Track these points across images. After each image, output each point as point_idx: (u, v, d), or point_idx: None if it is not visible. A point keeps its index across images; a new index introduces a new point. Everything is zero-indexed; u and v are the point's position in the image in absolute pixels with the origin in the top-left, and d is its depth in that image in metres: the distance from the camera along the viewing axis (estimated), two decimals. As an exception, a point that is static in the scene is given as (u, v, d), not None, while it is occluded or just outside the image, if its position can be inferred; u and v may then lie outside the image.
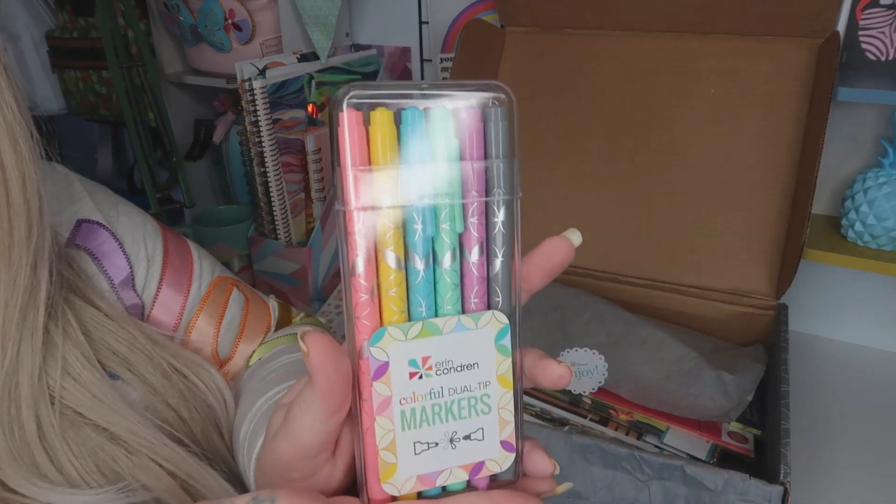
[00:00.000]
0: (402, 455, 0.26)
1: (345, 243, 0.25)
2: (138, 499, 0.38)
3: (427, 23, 1.10)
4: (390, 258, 0.25)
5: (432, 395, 0.26)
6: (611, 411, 0.69)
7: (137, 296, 0.47)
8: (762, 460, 0.64)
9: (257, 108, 0.96)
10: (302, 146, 1.03)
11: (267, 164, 0.99)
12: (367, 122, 0.25)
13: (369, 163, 0.25)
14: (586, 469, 0.57)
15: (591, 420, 0.68)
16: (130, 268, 0.47)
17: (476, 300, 0.27)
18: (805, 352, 0.92)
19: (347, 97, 0.24)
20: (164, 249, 0.50)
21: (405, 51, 1.14)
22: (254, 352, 0.53)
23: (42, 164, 0.38)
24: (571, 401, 0.70)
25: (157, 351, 0.44)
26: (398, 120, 0.25)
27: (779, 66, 0.81)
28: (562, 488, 0.30)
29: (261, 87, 0.95)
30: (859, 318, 0.93)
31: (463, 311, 0.27)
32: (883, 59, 0.81)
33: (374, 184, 0.25)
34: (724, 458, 0.65)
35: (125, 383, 0.42)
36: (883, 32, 0.80)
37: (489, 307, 0.27)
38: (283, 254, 1.05)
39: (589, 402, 0.70)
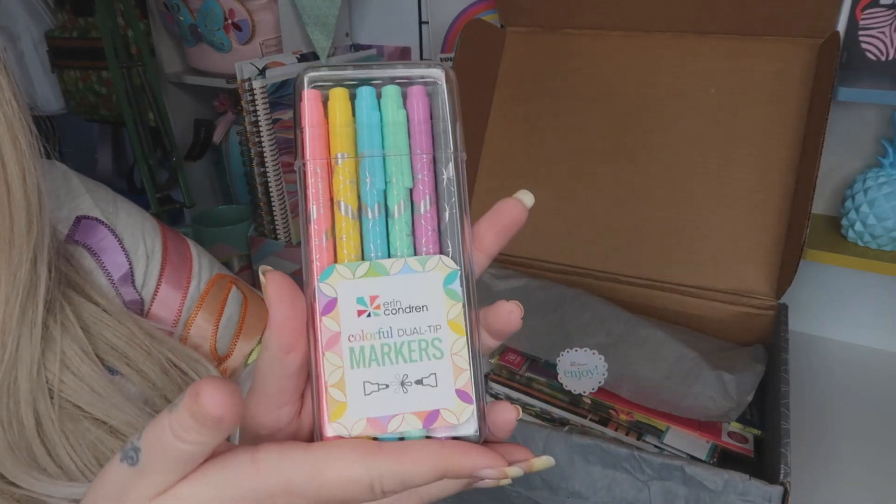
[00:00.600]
0: (351, 394, 0.26)
1: (303, 196, 0.28)
2: None
3: (427, 23, 1.10)
4: (343, 207, 0.28)
5: (381, 334, 0.27)
6: (611, 411, 0.69)
7: (137, 292, 0.47)
8: (762, 460, 0.64)
9: (257, 108, 0.95)
10: (302, 146, 1.03)
11: (267, 164, 0.99)
12: (325, 99, 0.28)
13: (326, 125, 0.28)
14: (586, 469, 0.57)
15: (591, 420, 0.68)
16: (130, 264, 0.47)
17: (427, 248, 0.28)
18: (805, 352, 0.92)
19: (308, 76, 0.28)
20: (164, 246, 0.50)
21: (405, 51, 1.14)
22: (252, 350, 0.53)
23: (41, 161, 0.38)
24: (571, 401, 0.70)
25: (156, 346, 0.45)
26: (353, 97, 0.28)
27: (779, 65, 0.81)
28: (540, 462, 0.29)
29: (261, 87, 0.95)
30: (859, 318, 0.93)
31: None
32: (883, 58, 0.81)
33: (329, 140, 0.28)
34: (724, 459, 0.65)
35: (124, 378, 0.42)
36: (883, 32, 0.80)
37: None
38: (283, 254, 1.05)
39: (589, 402, 0.70)
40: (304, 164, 0.28)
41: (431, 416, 0.27)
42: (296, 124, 0.28)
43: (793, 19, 0.79)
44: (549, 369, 0.71)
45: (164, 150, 1.20)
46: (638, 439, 0.66)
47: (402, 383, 0.27)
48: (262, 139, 0.97)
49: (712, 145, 0.83)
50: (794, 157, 0.80)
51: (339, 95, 0.28)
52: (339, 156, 0.28)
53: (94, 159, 1.57)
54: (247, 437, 0.27)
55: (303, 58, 1.03)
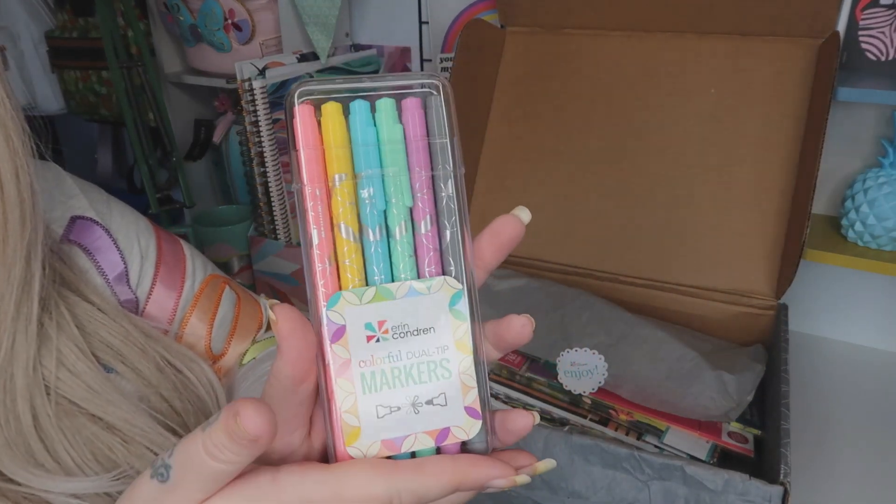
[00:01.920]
0: (364, 418, 0.27)
1: (303, 220, 0.27)
2: None
3: (427, 23, 1.10)
4: (344, 230, 0.27)
5: (391, 358, 0.27)
6: (611, 411, 0.69)
7: (132, 291, 0.48)
8: (762, 460, 0.64)
9: (257, 108, 0.95)
10: (302, 146, 1.03)
11: (267, 164, 0.99)
12: (318, 115, 0.27)
13: (322, 146, 0.27)
14: (586, 469, 0.57)
15: (591, 420, 0.68)
16: (125, 263, 0.48)
17: (430, 269, 0.28)
18: (805, 352, 0.92)
19: (299, 91, 0.27)
20: (158, 247, 0.51)
21: (405, 51, 1.14)
22: (247, 350, 0.54)
23: (34, 160, 0.38)
24: (571, 401, 0.70)
25: (151, 344, 0.45)
26: (347, 112, 0.27)
27: (779, 66, 0.81)
28: (543, 465, 0.30)
29: (261, 87, 0.95)
30: (859, 318, 0.93)
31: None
32: (883, 59, 0.81)
33: (326, 162, 0.27)
34: (725, 459, 0.65)
35: (119, 376, 0.43)
36: (883, 32, 0.80)
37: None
38: (283, 254, 1.05)
39: (589, 402, 0.70)
40: (301, 188, 0.27)
41: (442, 434, 0.28)
42: (290, 144, 0.27)
43: (793, 19, 0.79)
44: (549, 369, 0.71)
45: (164, 150, 1.20)
46: (638, 439, 0.66)
47: (413, 404, 0.28)
48: (262, 139, 0.97)
49: (712, 145, 0.83)
50: (794, 157, 0.80)
51: (332, 112, 0.27)
52: (336, 177, 0.27)
53: (94, 159, 1.56)
54: (259, 462, 0.28)
55: (303, 58, 1.03)
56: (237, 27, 1.07)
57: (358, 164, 0.27)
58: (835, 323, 0.95)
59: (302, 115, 0.27)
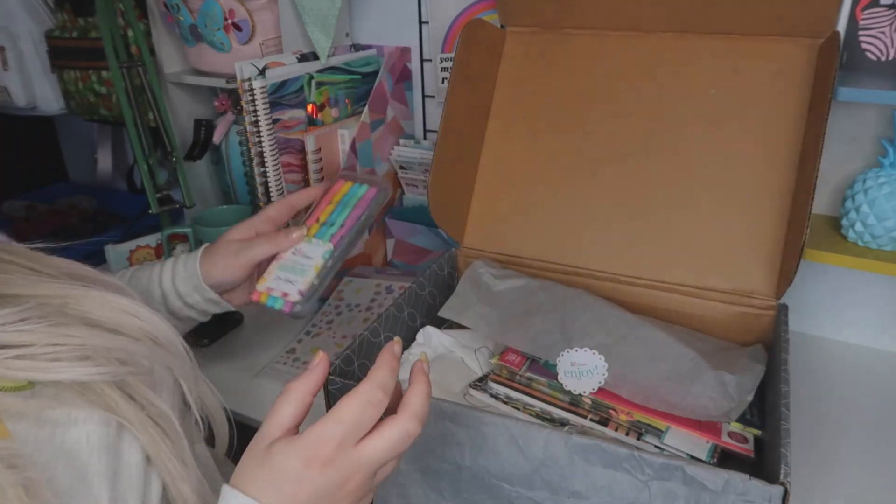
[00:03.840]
0: (269, 277, 0.73)
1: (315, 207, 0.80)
2: None
3: (427, 23, 1.10)
4: (324, 216, 0.79)
5: (293, 256, 0.74)
6: (611, 411, 0.69)
7: None
8: (762, 460, 0.64)
9: (257, 108, 0.95)
10: (302, 146, 1.03)
11: (267, 164, 0.99)
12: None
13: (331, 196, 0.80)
14: (586, 469, 0.57)
15: (591, 420, 0.68)
16: None
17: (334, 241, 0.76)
18: (805, 352, 0.92)
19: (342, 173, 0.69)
20: None
21: (405, 51, 1.14)
22: None
23: None
24: (571, 401, 0.70)
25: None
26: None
27: (779, 66, 0.81)
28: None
29: (261, 87, 0.95)
30: (860, 318, 0.93)
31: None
32: (883, 58, 0.81)
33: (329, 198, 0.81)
34: (725, 459, 0.65)
35: None
36: (883, 32, 0.80)
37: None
38: (282, 254, 1.05)
39: (589, 402, 0.70)
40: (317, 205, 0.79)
41: (286, 295, 0.71)
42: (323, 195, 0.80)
43: (793, 19, 0.79)
44: (550, 369, 0.71)
45: (164, 150, 1.20)
46: (638, 439, 0.66)
47: (286, 280, 0.72)
48: (262, 139, 0.97)
49: (712, 145, 0.83)
50: (794, 157, 0.80)
51: (343, 187, 0.81)
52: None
53: (93, 159, 1.56)
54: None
55: (303, 58, 1.03)
56: (237, 27, 1.07)
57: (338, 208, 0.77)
58: (835, 323, 0.95)
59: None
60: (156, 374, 0.47)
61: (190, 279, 0.73)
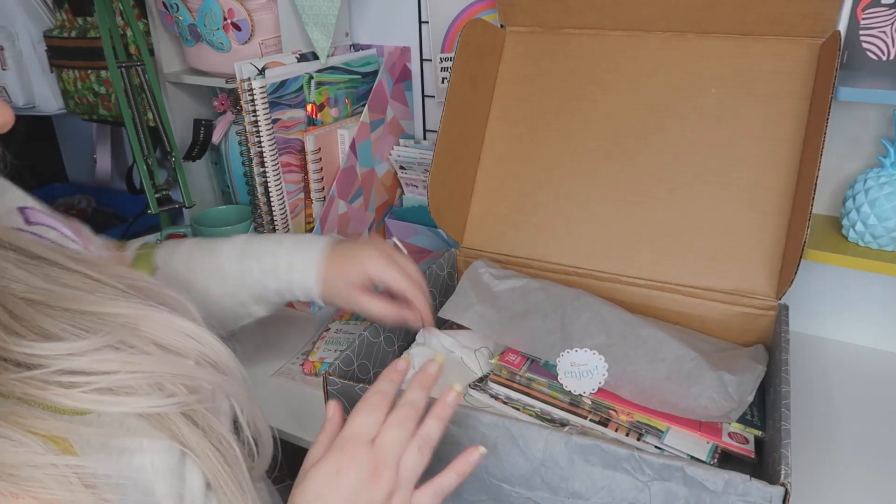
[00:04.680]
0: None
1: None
2: None
3: (427, 22, 1.10)
4: None
5: None
6: (611, 412, 0.68)
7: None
8: (763, 461, 0.64)
9: (257, 107, 0.95)
10: (301, 146, 1.03)
11: (266, 164, 0.98)
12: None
13: None
14: (586, 470, 0.56)
15: (591, 421, 0.68)
16: (72, 232, 0.54)
17: None
18: (806, 352, 0.92)
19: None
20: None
21: (405, 50, 1.14)
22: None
23: None
24: (571, 401, 0.70)
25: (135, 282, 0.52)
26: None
27: (779, 65, 0.81)
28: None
29: (260, 87, 0.95)
30: (860, 318, 0.93)
31: None
32: (884, 58, 0.81)
33: None
34: (725, 459, 0.64)
35: None
36: (884, 32, 0.80)
37: None
38: (282, 254, 1.05)
39: (589, 402, 0.69)
40: None
41: None
42: None
43: (793, 19, 0.79)
44: (550, 370, 0.71)
45: (164, 150, 1.20)
46: (638, 440, 0.66)
47: None
48: (262, 139, 0.97)
49: (712, 145, 0.83)
50: (794, 157, 0.79)
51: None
52: None
53: (92, 159, 1.56)
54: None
55: (302, 57, 1.03)
56: (236, 27, 1.07)
57: None
58: (835, 323, 0.95)
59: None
60: (216, 399, 0.47)
61: (306, 291, 0.74)
